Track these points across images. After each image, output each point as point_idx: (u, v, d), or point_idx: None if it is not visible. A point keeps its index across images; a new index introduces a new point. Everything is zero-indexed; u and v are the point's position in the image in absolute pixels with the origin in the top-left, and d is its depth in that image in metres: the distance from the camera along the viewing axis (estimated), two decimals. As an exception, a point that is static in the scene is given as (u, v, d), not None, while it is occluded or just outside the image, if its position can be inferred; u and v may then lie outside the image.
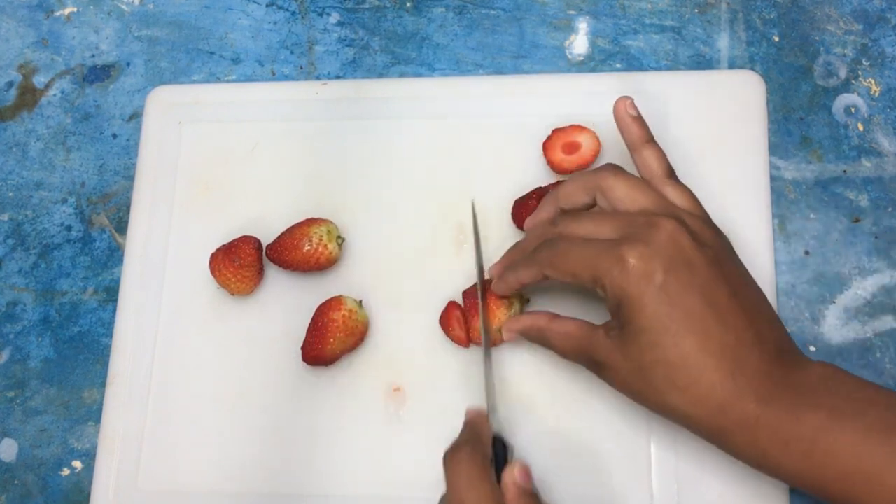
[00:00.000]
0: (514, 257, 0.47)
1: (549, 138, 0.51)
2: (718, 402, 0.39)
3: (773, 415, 0.38)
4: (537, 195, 0.50)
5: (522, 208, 0.50)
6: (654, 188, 0.43)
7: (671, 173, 0.45)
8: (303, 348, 0.49)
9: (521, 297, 0.49)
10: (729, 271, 0.41)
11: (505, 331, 0.48)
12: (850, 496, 0.37)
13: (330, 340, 0.48)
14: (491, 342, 0.48)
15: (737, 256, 0.43)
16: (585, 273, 0.41)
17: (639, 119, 0.46)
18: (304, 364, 0.49)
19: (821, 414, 0.37)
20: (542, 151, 0.51)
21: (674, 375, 0.39)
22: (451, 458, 0.40)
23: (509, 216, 0.51)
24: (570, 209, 0.46)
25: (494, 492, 0.39)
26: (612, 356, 0.41)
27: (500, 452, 0.43)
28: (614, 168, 0.44)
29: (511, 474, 0.40)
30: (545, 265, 0.43)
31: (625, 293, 0.39)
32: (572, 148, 0.51)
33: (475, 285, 0.49)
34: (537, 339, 0.46)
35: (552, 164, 0.51)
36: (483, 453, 0.41)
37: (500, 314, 0.48)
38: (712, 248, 0.41)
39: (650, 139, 0.46)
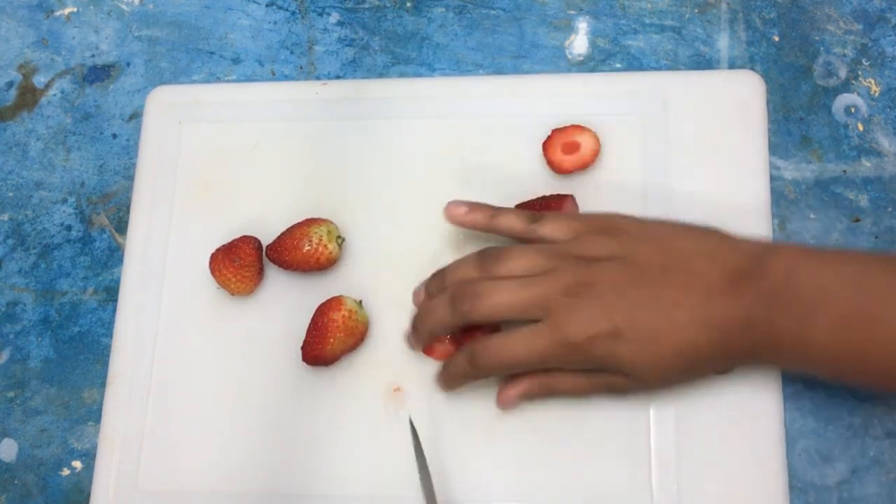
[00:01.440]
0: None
1: (548, 138, 0.51)
2: (719, 351, 0.42)
3: (759, 335, 0.41)
4: (539, 204, 0.49)
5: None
6: (534, 240, 0.45)
7: (535, 217, 0.46)
8: (303, 348, 0.49)
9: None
10: (642, 258, 0.43)
11: (502, 403, 0.47)
12: (843, 378, 0.43)
13: (330, 340, 0.48)
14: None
15: (636, 226, 0.45)
16: (545, 364, 0.44)
17: (472, 209, 0.47)
18: (304, 364, 0.49)
19: (791, 318, 0.40)
20: (541, 151, 0.51)
21: (679, 363, 0.42)
22: None
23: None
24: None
25: None
26: (631, 387, 0.44)
27: None
28: (491, 251, 0.45)
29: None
30: (493, 369, 0.45)
31: (597, 362, 0.43)
32: (572, 148, 0.51)
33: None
34: (544, 395, 0.47)
35: (552, 165, 0.51)
36: None
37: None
38: (613, 256, 0.43)
39: (494, 212, 0.47)
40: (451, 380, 0.47)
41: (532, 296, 0.43)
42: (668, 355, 0.42)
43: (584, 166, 0.51)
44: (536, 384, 0.46)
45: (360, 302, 0.50)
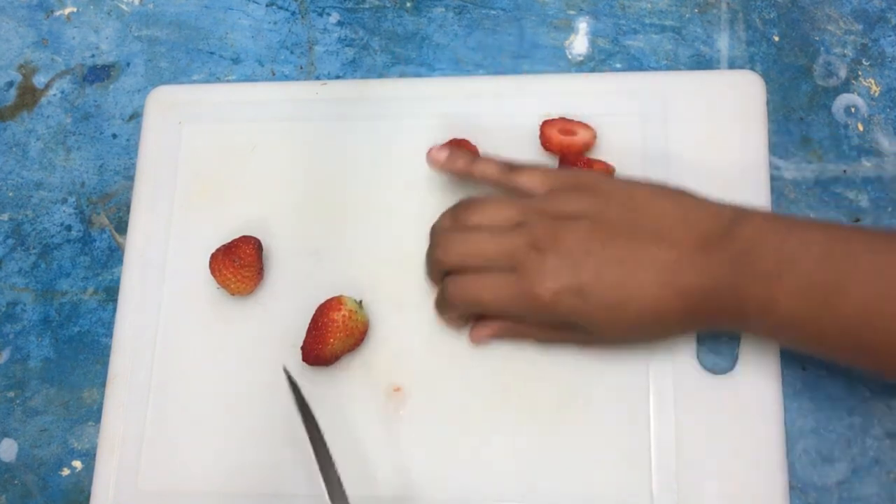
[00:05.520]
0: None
1: (549, 120, 0.51)
2: (684, 316, 0.42)
3: (725, 303, 0.41)
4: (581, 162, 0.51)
5: None
6: (506, 197, 0.46)
7: (512, 165, 0.47)
8: (303, 348, 0.49)
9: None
10: (613, 217, 0.43)
11: (473, 339, 0.49)
12: (805, 349, 0.43)
13: (330, 341, 0.48)
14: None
15: (611, 186, 0.45)
16: (511, 312, 0.46)
17: (452, 155, 0.49)
18: (304, 364, 0.49)
19: (757, 286, 0.40)
20: (539, 144, 0.52)
21: (644, 326, 0.43)
22: None
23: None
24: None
25: None
26: (591, 342, 0.46)
27: None
28: (468, 201, 0.47)
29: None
30: (463, 305, 0.47)
31: (561, 317, 0.44)
32: (568, 132, 0.51)
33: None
34: (513, 337, 0.48)
35: (544, 139, 0.51)
36: None
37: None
38: (585, 214, 0.44)
39: (473, 160, 0.49)
40: (437, 310, 0.49)
41: (499, 247, 0.44)
42: (632, 316, 0.43)
43: (575, 150, 0.51)
44: (506, 328, 0.48)
45: (360, 302, 0.50)
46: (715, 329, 0.46)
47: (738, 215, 0.43)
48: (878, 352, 0.40)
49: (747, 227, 0.42)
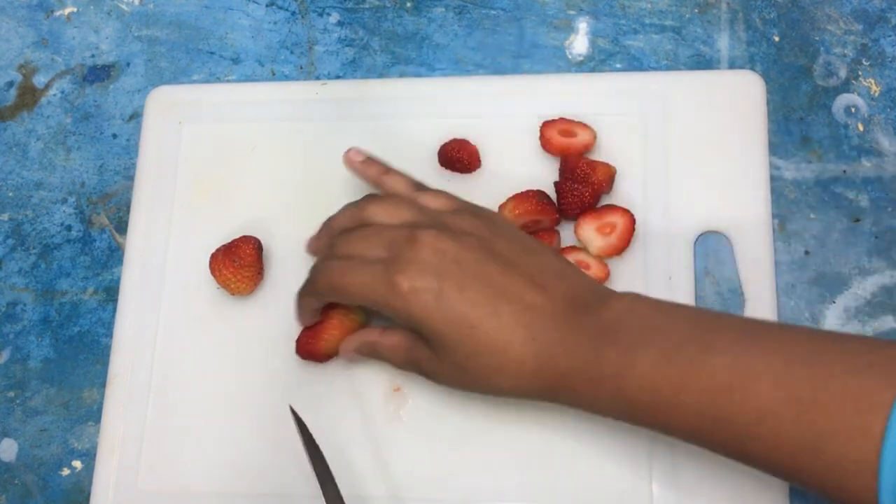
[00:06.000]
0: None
1: (549, 122, 0.52)
2: (531, 368, 0.41)
3: (579, 363, 0.40)
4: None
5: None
6: (410, 202, 0.46)
7: (419, 186, 0.48)
8: (297, 341, 0.49)
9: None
10: (499, 248, 0.43)
11: (342, 351, 0.48)
12: (657, 422, 0.39)
13: (324, 337, 0.48)
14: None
15: (509, 228, 0.45)
16: (367, 300, 0.43)
17: (368, 160, 0.50)
18: (304, 364, 0.49)
19: (618, 349, 0.39)
20: (539, 145, 0.52)
21: (486, 361, 0.41)
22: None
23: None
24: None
25: None
26: (432, 364, 0.44)
27: None
28: (373, 195, 0.48)
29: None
30: (326, 292, 0.46)
31: (410, 316, 0.42)
32: (568, 134, 0.51)
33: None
34: (371, 354, 0.47)
35: (544, 140, 0.51)
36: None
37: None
38: (474, 234, 0.43)
39: (387, 170, 0.49)
40: (299, 301, 0.48)
41: (381, 237, 0.44)
42: (478, 342, 0.41)
43: (574, 152, 0.51)
44: (366, 343, 0.47)
45: (360, 302, 0.50)
46: (555, 398, 0.42)
47: (614, 294, 0.43)
48: (726, 433, 0.37)
49: (619, 303, 0.41)
